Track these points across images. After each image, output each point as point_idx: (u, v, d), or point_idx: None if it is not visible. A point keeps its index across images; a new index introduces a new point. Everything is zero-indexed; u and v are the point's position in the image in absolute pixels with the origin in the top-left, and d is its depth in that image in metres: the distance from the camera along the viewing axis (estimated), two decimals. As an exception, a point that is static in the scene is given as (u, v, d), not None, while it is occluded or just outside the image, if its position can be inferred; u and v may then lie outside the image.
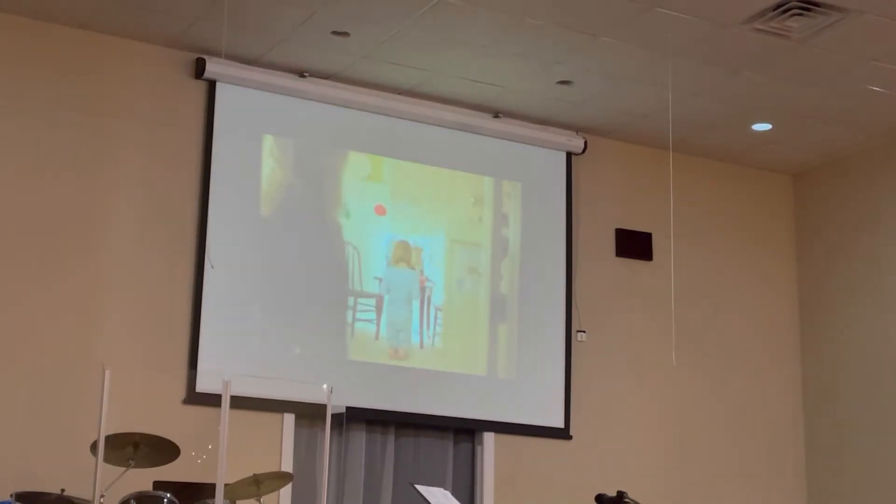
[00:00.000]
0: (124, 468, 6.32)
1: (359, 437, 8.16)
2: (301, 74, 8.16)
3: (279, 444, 7.82)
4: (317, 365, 7.96)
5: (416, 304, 8.38)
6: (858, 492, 9.00)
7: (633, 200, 9.28)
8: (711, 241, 9.54)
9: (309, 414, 7.71)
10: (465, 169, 8.72)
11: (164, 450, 6.45)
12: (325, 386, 6.29)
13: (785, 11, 6.98)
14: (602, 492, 6.40)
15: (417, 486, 6.19)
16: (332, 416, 6.25)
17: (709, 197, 9.59)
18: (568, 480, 8.56)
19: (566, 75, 8.08)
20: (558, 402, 8.68)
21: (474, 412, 8.42)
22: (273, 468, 7.34)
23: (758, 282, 9.66)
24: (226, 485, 5.77)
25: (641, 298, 9.14)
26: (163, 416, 7.15)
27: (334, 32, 7.55)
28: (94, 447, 6.01)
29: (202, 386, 7.54)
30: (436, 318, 8.44)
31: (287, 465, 7.77)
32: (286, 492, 7.57)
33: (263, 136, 8.11)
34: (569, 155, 9.07)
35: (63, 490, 6.28)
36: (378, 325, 8.25)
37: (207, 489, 6.31)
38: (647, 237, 9.25)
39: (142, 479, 6.52)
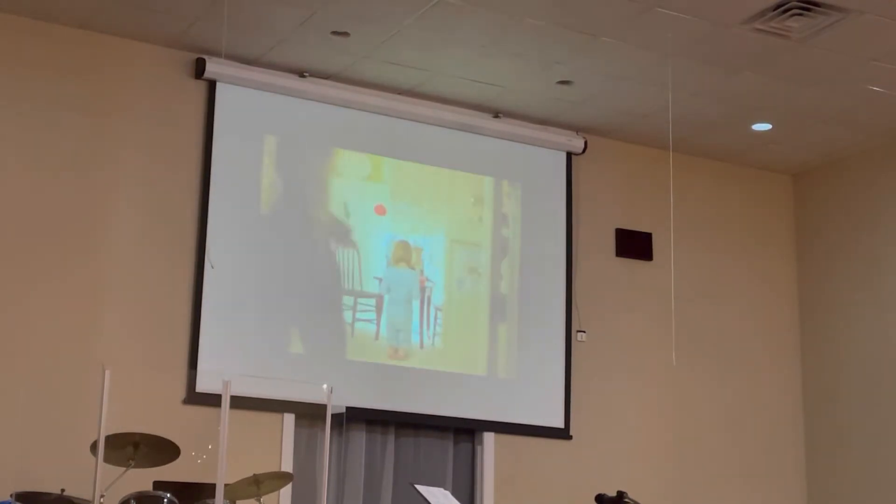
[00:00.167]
0: (124, 468, 6.32)
1: (359, 437, 8.16)
2: (301, 74, 8.16)
3: (279, 444, 7.82)
4: (317, 365, 7.96)
5: (416, 304, 8.38)
6: (858, 492, 9.00)
7: (633, 200, 9.28)
8: (711, 241, 9.54)
9: (309, 414, 7.71)
10: (465, 169, 8.72)
11: (164, 450, 6.45)
12: (325, 386, 6.29)
13: (785, 11, 6.98)
14: (602, 492, 6.40)
15: (417, 486, 6.19)
16: (332, 416, 6.25)
17: (709, 197, 9.59)
18: (568, 480, 8.56)
19: (566, 75, 8.08)
20: (558, 402, 8.68)
21: (474, 412, 8.41)
22: (273, 468, 7.34)
23: (758, 282, 9.66)
24: (226, 485, 5.76)
25: (641, 298, 9.14)
26: (163, 416, 7.15)
27: (334, 32, 7.55)
28: (94, 447, 6.01)
29: (202, 386, 7.54)
30: (436, 318, 8.44)
31: (287, 465, 7.77)
32: (286, 492, 7.57)
33: (263, 136, 8.11)
34: (569, 155, 9.07)
35: (63, 490, 6.28)
36: (378, 325, 8.25)
37: (207, 489, 6.31)
38: (647, 237, 9.25)
39: (142, 479, 6.52)
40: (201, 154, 7.90)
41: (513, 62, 7.89)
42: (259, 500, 6.63)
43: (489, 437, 8.47)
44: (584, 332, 8.89)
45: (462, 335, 8.50)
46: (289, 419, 7.87)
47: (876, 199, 9.21)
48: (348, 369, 8.07)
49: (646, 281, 9.18)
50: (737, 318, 9.50)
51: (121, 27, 7.60)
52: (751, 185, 9.78)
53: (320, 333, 8.06)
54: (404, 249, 8.43)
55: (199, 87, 7.97)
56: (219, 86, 7.97)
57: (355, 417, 7.99)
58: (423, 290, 8.43)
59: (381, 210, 8.41)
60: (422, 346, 8.36)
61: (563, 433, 8.67)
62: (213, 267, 7.60)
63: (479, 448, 8.48)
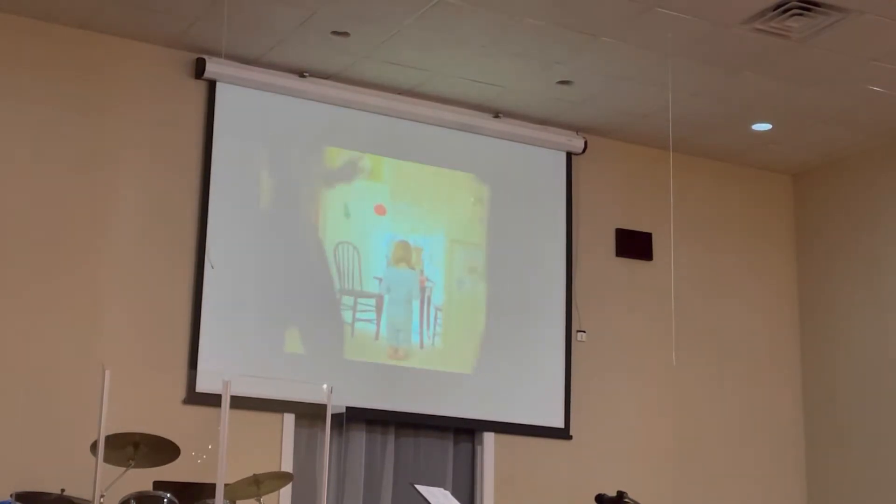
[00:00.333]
0: (124, 468, 6.32)
1: (359, 437, 8.16)
2: (301, 74, 8.16)
3: (279, 444, 7.82)
4: (317, 365, 7.96)
5: (416, 304, 8.38)
6: (858, 491, 9.01)
7: (633, 200, 9.28)
8: (711, 240, 9.54)
9: (309, 414, 7.71)
10: (465, 169, 8.72)
11: (164, 450, 6.45)
12: (325, 386, 6.29)
13: (785, 11, 6.98)
14: (602, 492, 6.40)
15: (417, 486, 6.19)
16: (332, 416, 6.25)
17: (709, 197, 9.59)
18: (568, 480, 8.56)
19: (566, 75, 8.08)
20: (558, 402, 8.68)
21: (474, 412, 8.41)
22: (273, 468, 7.34)
23: (758, 282, 9.66)
24: (226, 485, 5.76)
25: (641, 298, 9.14)
26: (163, 416, 7.16)
27: (334, 32, 7.55)
28: (94, 447, 6.00)
29: (202, 386, 7.54)
30: (436, 318, 8.44)
31: (287, 465, 7.77)
32: (286, 492, 7.57)
33: (263, 136, 8.11)
34: (569, 155, 9.07)
35: (63, 490, 6.28)
36: (378, 325, 8.24)
37: (207, 489, 6.31)
38: (647, 237, 9.25)
39: (142, 479, 6.52)
40: (201, 154, 7.90)
41: (513, 62, 7.89)
42: (259, 500, 6.63)
43: (489, 437, 8.47)
44: (584, 332, 8.89)
45: (462, 335, 8.50)
46: (289, 419, 7.87)
47: (876, 199, 9.21)
48: (348, 369, 8.07)
49: (646, 281, 9.18)
50: (737, 318, 9.50)
51: (121, 27, 7.60)
52: (751, 185, 9.78)
53: (320, 333, 8.05)
54: (404, 249, 8.43)
55: (199, 87, 7.97)
56: (219, 86, 7.97)
57: (355, 417, 7.99)
58: (423, 290, 8.43)
59: (381, 210, 8.41)
60: (422, 346, 8.36)
61: (563, 433, 8.67)
62: (213, 267, 7.60)
63: (479, 448, 8.48)
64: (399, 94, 8.45)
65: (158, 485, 6.61)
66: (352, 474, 8.09)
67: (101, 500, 5.85)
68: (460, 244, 8.63)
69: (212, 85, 7.97)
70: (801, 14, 6.98)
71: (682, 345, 8.91)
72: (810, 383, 9.56)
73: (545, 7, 7.09)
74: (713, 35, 7.35)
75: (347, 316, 8.16)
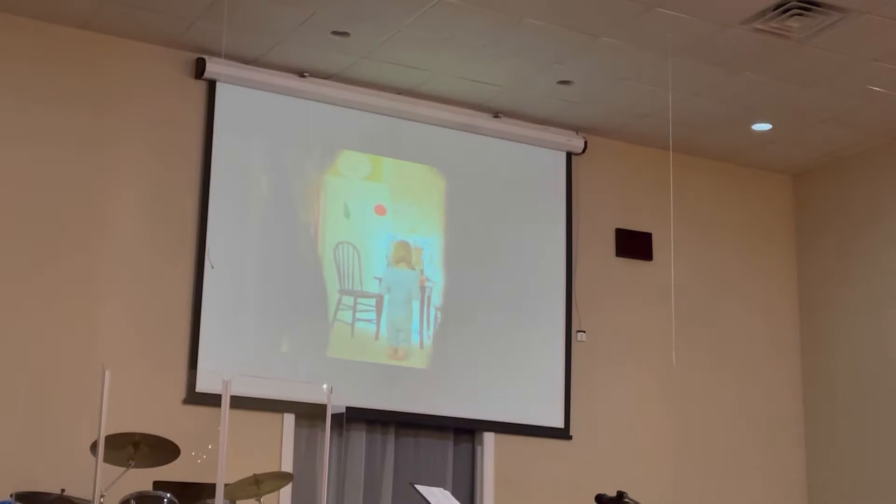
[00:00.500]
0: (124, 468, 6.32)
1: (359, 437, 8.16)
2: (301, 74, 8.16)
3: (279, 444, 7.82)
4: (317, 365, 7.96)
5: (416, 304, 8.38)
6: (858, 491, 9.01)
7: (633, 200, 9.28)
8: (711, 240, 9.54)
9: (309, 414, 7.70)
10: (465, 169, 8.72)
11: (164, 450, 6.45)
12: (325, 386, 6.29)
13: (785, 11, 6.99)
14: (602, 492, 6.40)
15: (417, 486, 6.19)
16: (332, 416, 6.25)
17: (709, 197, 9.59)
18: (568, 480, 8.56)
19: (566, 75, 8.08)
20: (558, 402, 8.68)
21: (474, 412, 8.41)
22: (273, 468, 7.34)
23: (758, 282, 9.66)
24: (226, 485, 5.76)
25: (641, 298, 9.14)
26: (163, 416, 7.16)
27: (334, 32, 7.55)
28: (94, 447, 6.00)
29: (202, 386, 7.54)
30: (436, 319, 8.44)
31: (287, 465, 7.76)
32: (286, 492, 7.57)
33: (263, 136, 8.11)
34: (569, 155, 9.07)
35: (63, 490, 6.28)
36: (378, 325, 8.24)
37: (207, 489, 6.31)
38: (647, 237, 9.25)
39: (142, 479, 6.52)
40: (201, 154, 7.90)
41: (513, 62, 7.89)
42: (259, 500, 6.63)
43: (489, 437, 8.47)
44: (583, 331, 8.89)
45: (462, 335, 8.49)
46: (289, 419, 7.87)
47: (876, 199, 9.21)
48: (348, 369, 8.07)
49: (646, 281, 9.18)
50: (737, 318, 9.50)
51: (121, 27, 7.60)
52: (751, 185, 9.78)
53: (320, 333, 8.05)
54: (404, 249, 8.43)
55: (199, 87, 7.97)
56: (219, 86, 7.97)
57: (355, 417, 7.99)
58: (423, 290, 8.43)
59: (381, 210, 8.41)
60: (422, 346, 8.36)
61: (563, 433, 8.67)
62: (213, 267, 7.60)
63: (479, 448, 8.48)
64: (399, 94, 8.45)
65: (158, 485, 6.61)
66: (352, 474, 8.09)
67: (101, 500, 5.85)
68: (460, 244, 8.63)
69: (212, 85, 7.97)
70: (801, 14, 6.98)
71: (682, 345, 8.91)
72: (810, 383, 9.56)
73: (545, 7, 7.09)
74: (713, 35, 7.35)
75: (347, 316, 8.16)
